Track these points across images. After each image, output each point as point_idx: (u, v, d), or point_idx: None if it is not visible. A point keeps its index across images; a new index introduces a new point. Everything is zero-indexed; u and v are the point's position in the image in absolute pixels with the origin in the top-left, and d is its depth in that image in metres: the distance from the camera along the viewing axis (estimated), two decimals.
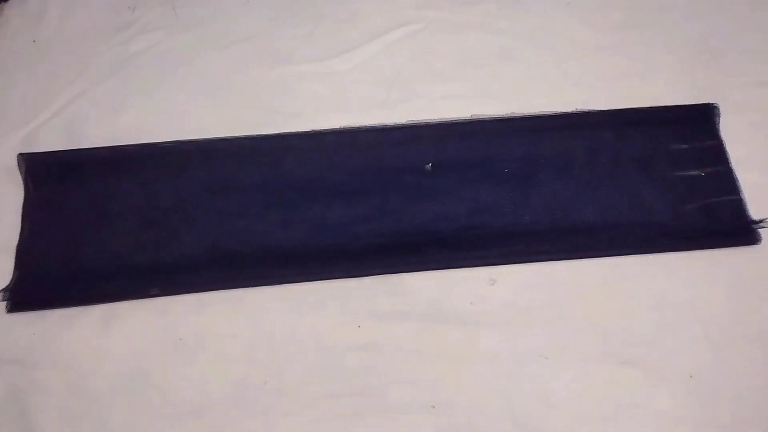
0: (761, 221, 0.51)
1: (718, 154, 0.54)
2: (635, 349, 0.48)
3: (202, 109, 0.57)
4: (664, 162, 0.54)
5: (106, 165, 0.53)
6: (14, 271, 0.49)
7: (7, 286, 0.49)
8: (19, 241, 0.50)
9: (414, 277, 0.50)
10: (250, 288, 0.49)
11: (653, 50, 0.60)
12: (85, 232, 0.51)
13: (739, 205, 0.52)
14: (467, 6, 0.62)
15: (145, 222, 0.51)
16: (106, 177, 0.53)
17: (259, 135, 0.55)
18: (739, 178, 0.53)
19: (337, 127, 0.55)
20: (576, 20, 0.61)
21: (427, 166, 0.54)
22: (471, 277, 0.50)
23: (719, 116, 0.56)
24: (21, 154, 0.53)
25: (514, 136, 0.55)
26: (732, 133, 0.55)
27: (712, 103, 0.56)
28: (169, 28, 0.61)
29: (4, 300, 0.49)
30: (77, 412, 0.46)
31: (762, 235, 0.51)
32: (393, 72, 0.59)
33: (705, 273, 0.50)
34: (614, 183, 0.53)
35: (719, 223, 0.52)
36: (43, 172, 0.53)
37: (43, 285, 0.49)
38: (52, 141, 0.55)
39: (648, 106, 0.56)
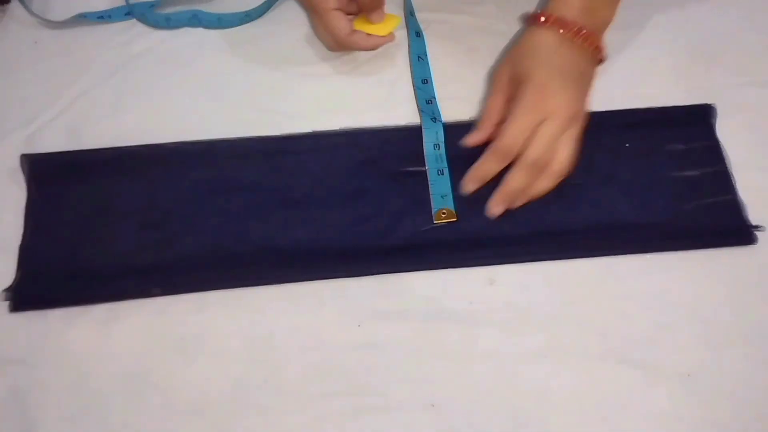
0: (758, 227, 0.51)
1: (715, 155, 0.54)
2: (634, 349, 0.48)
3: (204, 110, 0.57)
4: (661, 162, 0.54)
5: (108, 166, 0.54)
6: (17, 271, 0.50)
7: (9, 286, 0.49)
8: (21, 241, 0.51)
9: (413, 276, 0.50)
10: (250, 287, 0.49)
11: (652, 50, 0.60)
12: (87, 232, 0.51)
13: (735, 206, 0.52)
14: (467, 7, 0.62)
15: (146, 222, 0.52)
16: (108, 177, 0.53)
17: (260, 136, 0.55)
18: (736, 179, 0.53)
19: (337, 127, 0.56)
20: None
21: (426, 167, 0.54)
22: (470, 277, 0.50)
23: (716, 117, 0.56)
24: (23, 155, 0.53)
25: None
26: (729, 133, 0.55)
27: (710, 104, 0.56)
28: (170, 29, 0.61)
29: (6, 300, 0.49)
30: (78, 411, 0.46)
31: (759, 236, 0.51)
32: (393, 72, 0.59)
33: (703, 273, 0.50)
34: (612, 184, 0.53)
35: (716, 223, 0.52)
36: (46, 173, 0.53)
37: (45, 285, 0.49)
38: (54, 142, 0.55)
39: (645, 106, 0.56)
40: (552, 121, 0.49)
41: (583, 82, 0.52)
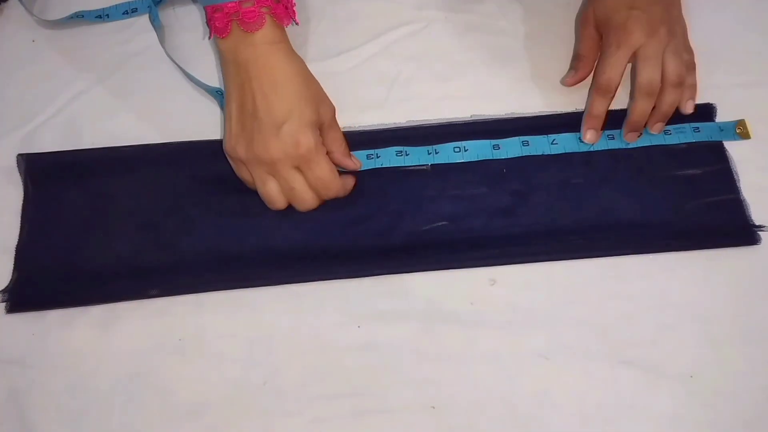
0: (761, 227, 0.51)
1: (717, 153, 0.54)
2: (635, 349, 0.47)
3: (203, 110, 0.57)
4: (663, 161, 0.54)
5: (105, 165, 0.53)
6: (13, 272, 0.49)
7: (6, 287, 0.49)
8: (18, 241, 0.50)
9: (414, 277, 0.50)
10: (249, 288, 0.49)
11: None
12: (84, 233, 0.51)
13: (738, 205, 0.52)
14: (467, 6, 0.62)
15: (144, 222, 0.51)
16: (106, 177, 0.53)
17: None
18: (739, 178, 0.53)
19: None
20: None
21: (427, 166, 0.54)
22: (471, 277, 0.50)
23: (716, 116, 0.56)
24: (20, 155, 0.53)
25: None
26: None
27: (711, 103, 0.56)
28: (168, 28, 0.61)
29: (3, 301, 0.49)
30: (76, 412, 0.46)
31: (762, 236, 0.51)
32: (393, 72, 0.59)
33: (705, 273, 0.50)
34: (614, 183, 0.53)
35: (719, 222, 0.51)
36: (43, 173, 0.53)
37: (42, 285, 0.49)
38: (51, 141, 0.55)
39: None
40: (647, 45, 0.52)
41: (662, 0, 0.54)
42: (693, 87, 0.55)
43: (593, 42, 0.56)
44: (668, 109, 0.53)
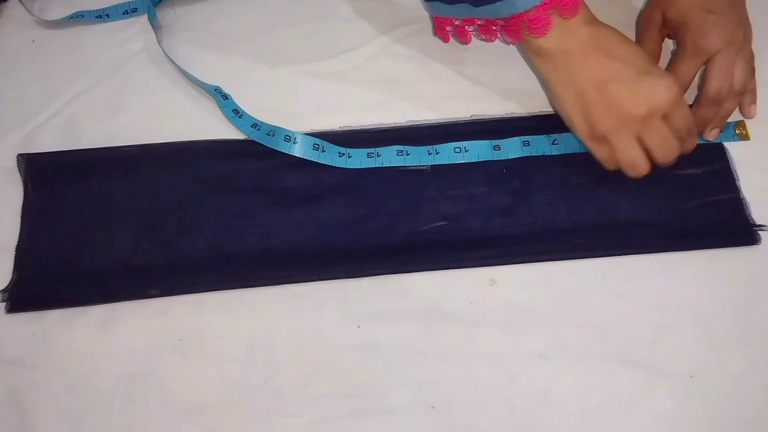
0: (761, 226, 0.51)
1: (717, 153, 0.54)
2: (635, 349, 0.47)
3: (203, 110, 0.57)
4: None
5: (105, 165, 0.53)
6: (13, 272, 0.49)
7: (6, 287, 0.49)
8: (18, 241, 0.50)
9: (414, 277, 0.50)
10: (249, 288, 0.49)
11: None
12: (84, 233, 0.51)
13: (738, 205, 0.52)
14: None
15: (144, 222, 0.51)
16: (106, 177, 0.53)
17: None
18: (739, 178, 0.53)
19: (337, 127, 0.55)
20: None
21: (427, 166, 0.54)
22: (471, 277, 0.50)
23: None
24: (20, 155, 0.53)
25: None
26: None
27: None
28: (168, 28, 0.61)
29: (3, 301, 0.49)
30: (76, 412, 0.46)
31: (762, 236, 0.51)
32: (393, 72, 0.59)
33: (705, 273, 0.50)
34: (614, 183, 0.53)
35: (719, 222, 0.51)
36: (43, 173, 0.53)
37: (42, 285, 0.49)
38: (51, 141, 0.55)
39: None
40: (723, 53, 0.51)
41: (736, 2, 0.53)
42: (754, 92, 0.54)
43: (658, 45, 0.56)
44: (727, 115, 0.53)
